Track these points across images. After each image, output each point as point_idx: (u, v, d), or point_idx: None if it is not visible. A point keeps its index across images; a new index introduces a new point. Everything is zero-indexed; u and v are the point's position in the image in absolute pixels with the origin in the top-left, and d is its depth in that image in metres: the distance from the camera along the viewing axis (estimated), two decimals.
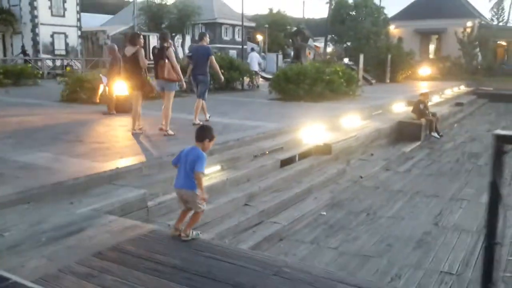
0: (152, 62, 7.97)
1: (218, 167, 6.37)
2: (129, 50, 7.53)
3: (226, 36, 54.51)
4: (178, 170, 3.83)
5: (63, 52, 33.69)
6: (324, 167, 7.91)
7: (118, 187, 5.05)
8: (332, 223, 6.21)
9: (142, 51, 7.52)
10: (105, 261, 3.18)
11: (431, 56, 33.04)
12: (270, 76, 22.08)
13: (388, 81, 23.27)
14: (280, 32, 55.61)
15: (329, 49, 40.74)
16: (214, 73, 9.35)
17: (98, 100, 10.96)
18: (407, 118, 12.29)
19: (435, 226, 6.19)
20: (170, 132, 7.67)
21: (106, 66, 15.33)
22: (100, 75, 10.73)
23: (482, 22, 34.04)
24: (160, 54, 7.55)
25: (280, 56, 23.85)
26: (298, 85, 13.37)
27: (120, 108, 10.03)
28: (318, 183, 7.26)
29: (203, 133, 3.89)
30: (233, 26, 53.90)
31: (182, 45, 36.88)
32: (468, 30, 30.61)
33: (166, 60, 7.45)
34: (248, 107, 11.92)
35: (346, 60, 28.67)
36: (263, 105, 13.00)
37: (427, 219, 6.47)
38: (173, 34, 32.91)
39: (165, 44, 7.70)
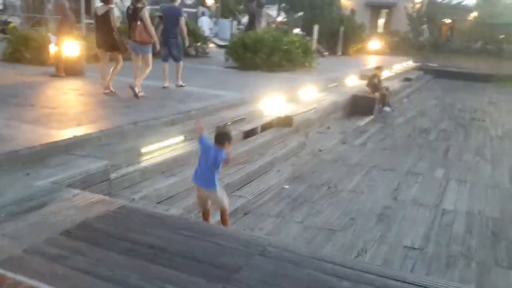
0: None
1: (181, 138, 6.14)
2: (101, 9, 7.35)
3: None
4: (199, 165, 4.00)
5: (0, 7, 31.13)
6: (285, 139, 7.87)
7: (78, 157, 4.73)
8: (295, 196, 6.21)
9: (114, 10, 7.47)
10: (76, 241, 2.96)
11: (380, 30, 33.58)
12: (223, 43, 21.62)
13: (339, 53, 23.43)
14: None
15: (280, 18, 40.25)
16: (182, 37, 8.97)
17: (50, 62, 10.19)
18: (361, 91, 12.45)
19: (394, 200, 6.34)
20: (142, 93, 7.57)
21: (49, 24, 14.28)
22: (49, 34, 9.95)
23: None
24: (134, 15, 7.31)
25: (235, 23, 23.23)
26: (256, 54, 13.14)
27: (69, 70, 9.41)
28: (280, 156, 7.21)
29: (223, 138, 3.95)
30: None
31: None
32: (418, 6, 31.29)
33: (139, 22, 7.22)
34: (206, 75, 11.59)
35: (296, 30, 28.49)
36: (220, 72, 12.70)
37: (385, 193, 6.62)
38: None
39: (139, 5, 7.38)
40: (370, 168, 7.73)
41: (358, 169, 7.65)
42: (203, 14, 22.04)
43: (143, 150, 5.47)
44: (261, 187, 6.13)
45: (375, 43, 26.99)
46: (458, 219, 5.76)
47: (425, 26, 31.36)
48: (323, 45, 22.53)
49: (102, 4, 7.49)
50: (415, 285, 2.61)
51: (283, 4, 40.68)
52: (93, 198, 3.71)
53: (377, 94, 12.12)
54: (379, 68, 12.68)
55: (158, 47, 7.88)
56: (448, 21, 32.96)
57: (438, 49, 29.28)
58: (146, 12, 7.41)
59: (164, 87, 8.74)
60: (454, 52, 28.84)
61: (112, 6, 7.43)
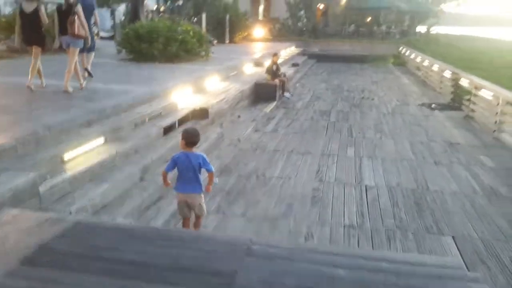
0: None
1: (102, 140, 5.70)
2: (29, 7, 7.36)
3: None
4: (180, 176, 4.12)
5: None
6: (204, 132, 7.71)
7: None
8: (228, 189, 6.15)
9: (43, 7, 7.46)
10: (42, 268, 2.60)
11: (260, 17, 34.43)
12: (106, 35, 20.45)
13: (227, 41, 23.59)
14: None
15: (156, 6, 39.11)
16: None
17: None
18: (261, 79, 12.69)
19: (320, 182, 6.60)
20: (70, 89, 7.65)
21: None
22: None
23: None
24: (69, 10, 7.35)
25: (117, 13, 22.01)
26: (151, 45, 12.64)
27: None
28: (203, 150, 7.05)
29: (197, 138, 4.24)
30: None
31: None
32: None
33: (76, 16, 7.29)
34: (103, 68, 10.83)
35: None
36: (117, 66, 11.99)
37: (310, 176, 6.86)
38: None
39: (72, 0, 7.40)
40: (288, 153, 7.94)
41: (278, 155, 7.80)
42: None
43: (66, 157, 4.98)
44: None
45: (258, 31, 27.63)
46: (382, 193, 6.18)
47: (302, 12, 32.84)
48: (211, 33, 22.45)
49: (28, 1, 7.40)
50: (407, 263, 2.75)
51: None
52: (39, 217, 3.28)
53: (276, 81, 12.44)
54: (275, 55, 12.99)
55: (89, 42, 7.93)
56: (322, 6, 34.84)
57: (317, 34, 30.93)
58: (80, 7, 7.45)
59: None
60: (331, 36, 30.72)
61: (40, 3, 7.42)
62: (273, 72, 12.48)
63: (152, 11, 30.60)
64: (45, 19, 7.50)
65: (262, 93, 11.99)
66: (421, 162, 7.69)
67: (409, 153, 8.18)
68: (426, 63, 18.34)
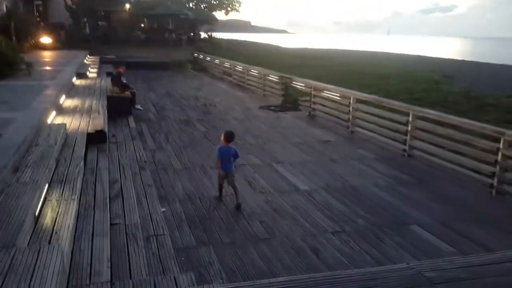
0: None
1: None
2: None
3: None
4: (222, 160, 6.06)
5: None
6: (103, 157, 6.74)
7: None
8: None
9: None
10: None
11: (42, 24, 30.83)
12: None
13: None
14: None
15: None
16: None
17: None
18: (105, 92, 11.58)
19: (262, 193, 6.58)
20: None
21: None
22: None
23: None
24: None
25: None
26: None
27: None
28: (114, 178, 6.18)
29: (233, 137, 6.26)
30: None
31: None
32: None
33: None
34: None
35: None
36: None
37: (246, 188, 6.74)
38: None
39: None
40: (201, 168, 7.63)
41: (193, 172, 7.41)
42: None
43: None
44: None
45: (46, 38, 24.76)
46: (327, 196, 6.55)
47: (85, 19, 30.82)
48: None
49: None
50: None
51: None
52: None
53: (128, 93, 11.54)
54: (122, 66, 12.06)
55: None
56: (108, 12, 33.32)
57: (107, 41, 29.46)
58: None
59: None
60: (124, 43, 29.69)
61: None
62: (123, 84, 11.54)
63: None
64: None
65: (117, 106, 10.94)
66: (321, 161, 8.36)
67: (303, 155, 8.75)
68: (239, 68, 19.50)
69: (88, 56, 23.78)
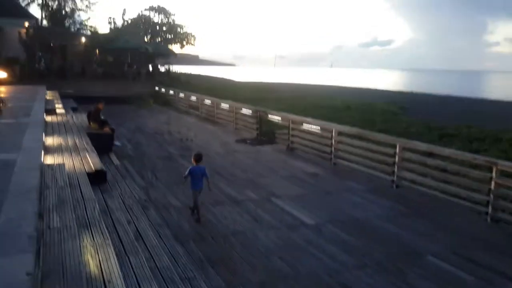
0: None
1: None
2: None
3: None
4: (193, 179, 6.84)
5: None
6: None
7: None
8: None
9: None
10: None
11: None
12: None
13: None
14: None
15: None
16: None
17: None
18: (83, 128, 11.29)
19: (273, 229, 6.59)
20: None
21: None
22: None
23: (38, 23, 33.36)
24: None
25: None
26: None
27: None
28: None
29: (201, 157, 7.06)
30: None
31: None
32: (26, 31, 29.35)
33: None
34: None
35: None
36: None
37: (254, 225, 6.74)
38: None
39: None
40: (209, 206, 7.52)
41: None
42: None
43: None
44: None
45: (1, 73, 23.88)
46: (335, 229, 6.65)
47: (40, 53, 29.98)
48: None
49: None
50: None
51: None
52: None
53: (107, 130, 11.29)
54: (101, 103, 11.84)
55: None
56: (63, 46, 32.54)
57: (63, 75, 28.73)
58: None
59: None
60: (80, 77, 29.04)
61: None
62: (102, 120, 11.29)
63: None
64: None
65: (97, 143, 10.62)
66: (316, 194, 8.50)
67: (296, 188, 8.86)
68: (207, 102, 19.55)
69: (47, 92, 23.09)
